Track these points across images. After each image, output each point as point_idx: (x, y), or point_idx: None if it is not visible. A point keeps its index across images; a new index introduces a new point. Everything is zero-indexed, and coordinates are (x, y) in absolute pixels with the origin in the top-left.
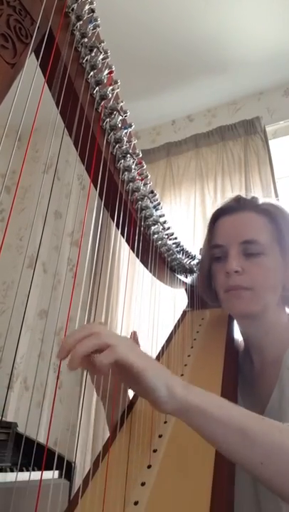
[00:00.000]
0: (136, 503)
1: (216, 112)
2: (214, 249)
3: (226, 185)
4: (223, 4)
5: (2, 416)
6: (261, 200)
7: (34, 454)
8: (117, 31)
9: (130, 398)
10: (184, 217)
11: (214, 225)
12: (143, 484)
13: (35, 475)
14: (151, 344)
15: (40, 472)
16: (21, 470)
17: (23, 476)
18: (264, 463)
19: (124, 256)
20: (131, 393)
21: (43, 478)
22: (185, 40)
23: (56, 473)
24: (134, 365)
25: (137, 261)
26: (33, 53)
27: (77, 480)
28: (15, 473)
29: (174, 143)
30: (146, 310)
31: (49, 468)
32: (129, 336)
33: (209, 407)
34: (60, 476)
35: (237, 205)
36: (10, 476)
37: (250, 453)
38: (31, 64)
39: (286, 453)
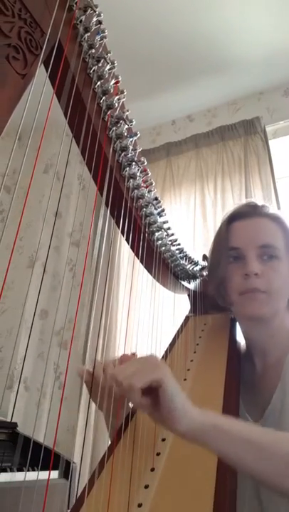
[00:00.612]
0: (140, 506)
1: (216, 111)
2: (230, 252)
3: (226, 186)
4: (224, 4)
5: (11, 417)
6: (272, 210)
7: (33, 454)
8: (117, 30)
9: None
10: (184, 218)
11: (228, 228)
12: (146, 487)
13: (35, 475)
14: (154, 348)
15: (40, 472)
16: (21, 470)
17: (23, 476)
18: (281, 474)
19: (125, 258)
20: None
21: (42, 477)
22: (185, 40)
23: (56, 473)
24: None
25: (138, 263)
26: (42, 64)
27: (77, 480)
28: (15, 473)
29: (174, 143)
30: (147, 313)
31: (48, 467)
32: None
33: (225, 426)
34: (60, 475)
35: (253, 211)
36: (10, 476)
37: (271, 467)
38: (41, 75)
39: None
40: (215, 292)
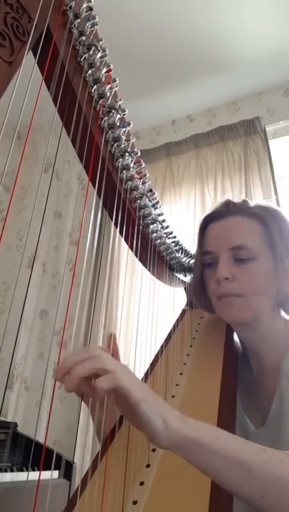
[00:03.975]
0: (135, 503)
1: (216, 111)
2: (205, 256)
3: (226, 185)
4: (224, 4)
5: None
6: (252, 204)
7: (33, 454)
8: (117, 31)
9: None
10: (184, 217)
11: (204, 231)
12: (142, 484)
13: (35, 475)
14: (150, 343)
15: (39, 472)
16: (21, 470)
17: (23, 476)
18: (265, 496)
19: (124, 255)
20: None
21: (42, 478)
22: (185, 40)
23: (56, 473)
24: (131, 395)
25: (136, 260)
26: (30, 51)
27: (77, 480)
28: (14, 473)
29: (174, 143)
30: (146, 309)
31: (49, 468)
32: (107, 339)
33: (207, 439)
34: (60, 475)
35: (226, 210)
36: (9, 476)
37: (250, 486)
38: (29, 62)
39: (286, 485)
40: (197, 298)
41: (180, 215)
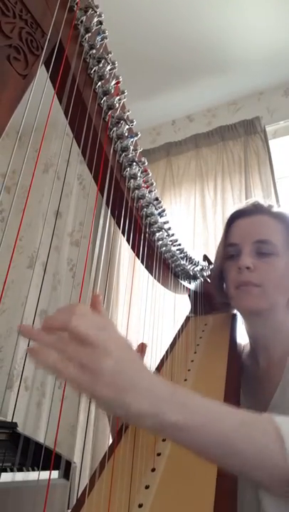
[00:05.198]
0: (140, 506)
1: (216, 111)
2: (228, 248)
3: (226, 185)
4: (224, 4)
5: (11, 417)
6: (277, 209)
7: (34, 454)
8: (117, 31)
9: None
10: (184, 218)
11: (230, 226)
12: (147, 487)
13: (35, 475)
14: (152, 347)
15: (40, 472)
16: (21, 470)
17: (23, 475)
18: (251, 467)
19: (126, 258)
20: None
21: (42, 477)
22: (185, 40)
23: (56, 473)
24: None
25: (138, 263)
26: (43, 65)
27: (77, 480)
28: (15, 473)
29: (174, 143)
30: (147, 313)
31: (49, 468)
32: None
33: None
34: (60, 476)
35: (254, 209)
36: (10, 476)
37: (234, 461)
38: (41, 75)
39: (271, 457)
40: (216, 288)
41: (180, 215)
